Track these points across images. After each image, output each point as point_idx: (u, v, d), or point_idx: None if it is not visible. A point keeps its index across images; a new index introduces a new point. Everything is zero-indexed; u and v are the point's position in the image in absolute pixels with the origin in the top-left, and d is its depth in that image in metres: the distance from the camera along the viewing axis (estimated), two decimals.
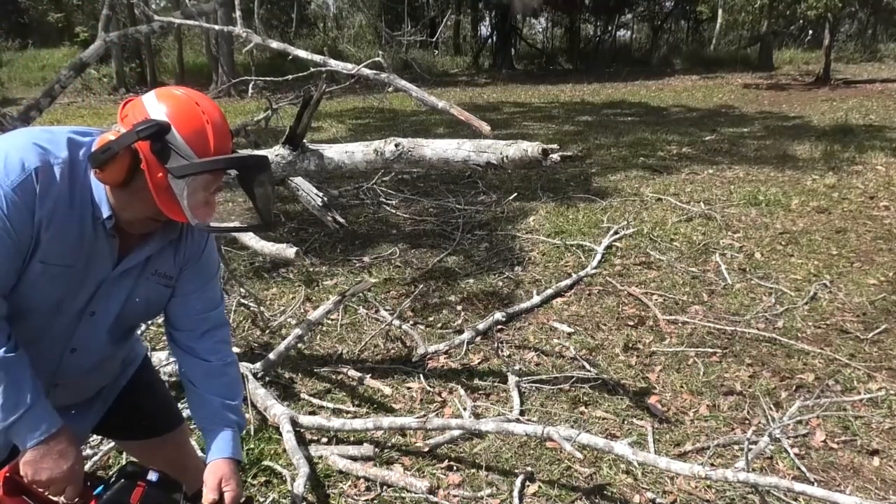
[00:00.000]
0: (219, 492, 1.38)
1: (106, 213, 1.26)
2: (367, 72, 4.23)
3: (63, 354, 1.37)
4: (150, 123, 1.18)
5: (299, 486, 2.12)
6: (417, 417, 2.54)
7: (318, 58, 4.51)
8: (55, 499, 1.28)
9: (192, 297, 1.47)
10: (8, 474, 1.23)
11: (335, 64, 4.40)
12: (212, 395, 1.48)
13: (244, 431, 2.50)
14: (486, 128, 3.35)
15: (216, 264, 1.54)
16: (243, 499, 1.42)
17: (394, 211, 5.71)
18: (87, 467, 2.29)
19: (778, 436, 2.48)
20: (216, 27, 5.39)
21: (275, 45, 4.84)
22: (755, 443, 2.44)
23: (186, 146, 1.20)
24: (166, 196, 1.22)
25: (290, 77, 5.36)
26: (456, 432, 2.51)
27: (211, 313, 1.50)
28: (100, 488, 1.30)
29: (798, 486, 1.93)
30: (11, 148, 1.19)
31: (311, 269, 4.38)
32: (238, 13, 4.99)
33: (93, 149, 1.22)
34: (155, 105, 1.22)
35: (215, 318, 1.51)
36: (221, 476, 1.40)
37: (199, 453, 1.88)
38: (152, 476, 1.33)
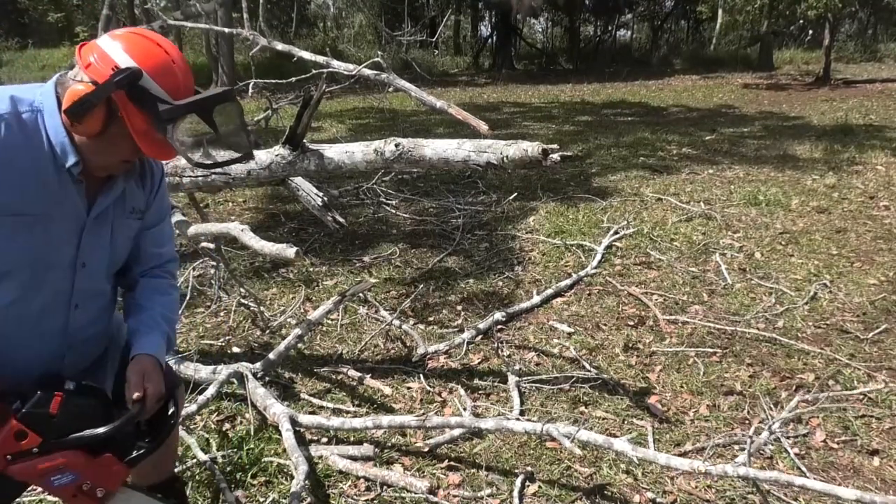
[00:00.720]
0: (142, 387, 1.37)
1: (72, 160, 1.27)
2: (367, 72, 4.29)
3: (68, 313, 1.39)
4: (126, 72, 1.19)
5: (298, 483, 2.13)
6: (417, 416, 2.54)
7: (321, 59, 4.56)
8: None
9: (154, 231, 1.54)
10: None
11: (338, 65, 4.46)
12: (154, 305, 1.52)
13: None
14: (483, 127, 3.37)
15: (168, 199, 1.62)
16: (166, 393, 1.41)
17: (394, 211, 5.71)
18: None
19: (777, 430, 2.48)
20: (225, 30, 5.42)
21: (280, 46, 4.88)
22: (753, 441, 2.45)
23: (160, 89, 1.23)
24: (148, 139, 1.25)
25: (293, 79, 5.39)
26: (456, 432, 2.51)
27: (166, 247, 1.59)
28: (16, 403, 1.26)
29: (798, 480, 1.94)
30: None
31: (311, 269, 4.38)
32: (246, 15, 5.01)
33: (63, 104, 1.22)
34: (119, 51, 1.23)
35: (169, 252, 1.61)
36: (143, 372, 1.39)
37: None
38: (69, 385, 1.30)
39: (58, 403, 1.26)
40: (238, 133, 1.38)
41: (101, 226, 1.39)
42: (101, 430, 1.29)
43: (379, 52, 4.72)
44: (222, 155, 1.37)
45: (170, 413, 1.43)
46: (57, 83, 1.29)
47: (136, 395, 1.35)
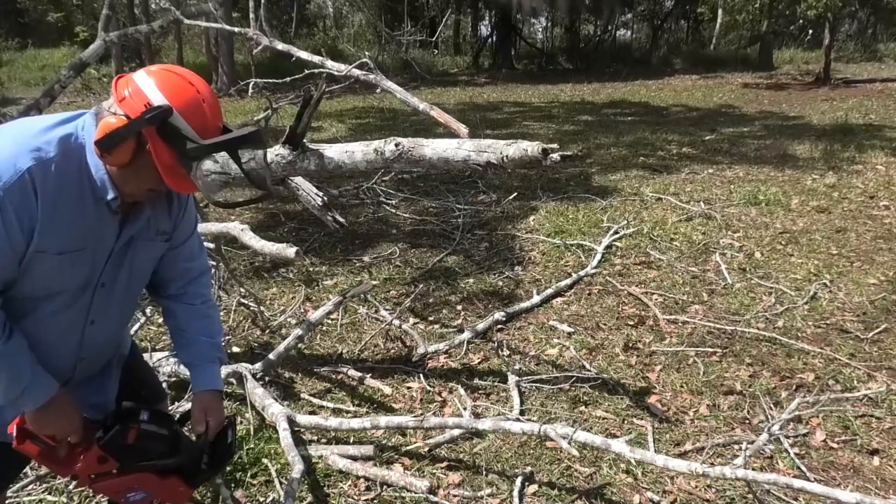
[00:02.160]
0: (204, 422, 1.56)
1: (112, 194, 1.32)
2: (356, 72, 4.37)
3: (84, 328, 1.46)
4: (157, 110, 1.24)
5: (293, 482, 2.13)
6: (415, 417, 2.54)
7: (316, 58, 4.61)
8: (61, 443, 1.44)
9: (183, 248, 1.59)
10: (18, 425, 1.40)
11: (331, 65, 4.54)
12: (198, 335, 1.62)
13: (241, 426, 2.51)
14: (463, 130, 3.38)
15: (196, 214, 1.67)
16: (225, 422, 1.61)
17: (394, 211, 5.71)
18: None
19: (777, 432, 2.48)
20: (235, 29, 5.44)
21: (280, 46, 4.92)
22: (753, 442, 2.44)
23: (189, 127, 1.27)
24: (173, 173, 1.29)
25: (287, 79, 5.44)
26: (456, 432, 2.51)
27: (197, 261, 1.64)
28: (100, 432, 1.46)
29: (797, 483, 1.93)
30: (2, 151, 1.23)
31: (311, 269, 4.38)
32: (252, 14, 5.03)
33: (94, 135, 1.26)
34: (152, 88, 1.27)
35: (201, 265, 1.66)
36: (205, 408, 1.57)
37: None
38: (144, 415, 1.49)
39: (134, 436, 1.46)
40: (260, 171, 1.45)
41: (127, 248, 1.44)
42: (170, 460, 1.51)
43: (366, 53, 4.81)
44: (241, 194, 1.42)
45: (228, 441, 1.61)
46: (95, 113, 1.32)
47: (199, 430, 1.55)
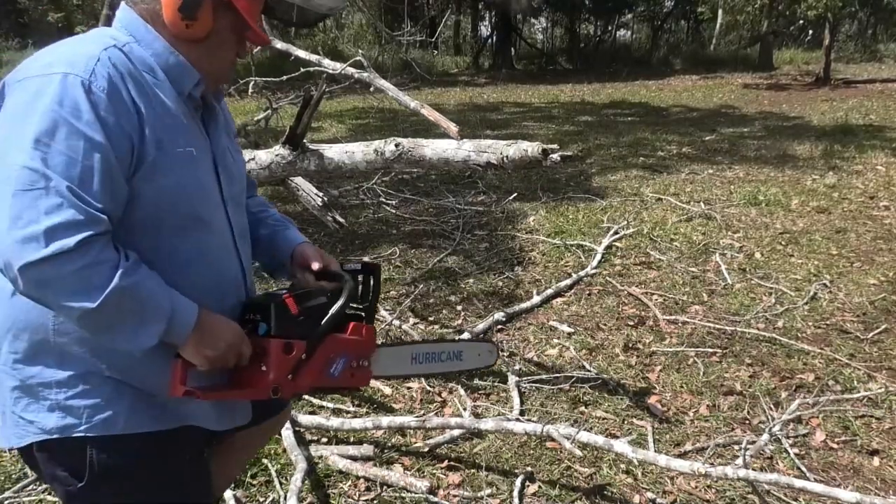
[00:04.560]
0: (330, 261, 1.38)
1: (194, 77, 1.17)
2: (351, 70, 4.41)
3: (240, 249, 1.30)
4: None
5: (297, 480, 2.13)
6: (416, 417, 2.54)
7: (314, 57, 4.64)
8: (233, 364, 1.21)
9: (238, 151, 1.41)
10: (180, 375, 1.15)
11: (327, 63, 4.58)
12: (265, 213, 1.47)
13: None
14: (454, 129, 3.39)
15: None
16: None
17: (394, 211, 5.71)
18: None
19: (777, 433, 2.48)
20: None
21: (280, 45, 4.95)
22: (754, 442, 2.45)
23: None
24: (255, 17, 1.17)
25: (284, 77, 5.47)
26: (456, 432, 2.51)
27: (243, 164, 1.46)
28: (260, 326, 1.24)
29: (798, 483, 1.94)
30: (67, 52, 1.07)
31: None
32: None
33: (167, 6, 1.10)
34: None
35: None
36: (314, 251, 1.39)
37: None
38: (275, 290, 1.31)
39: (293, 303, 1.25)
40: None
41: (223, 149, 1.29)
42: (341, 300, 1.30)
43: (360, 52, 4.84)
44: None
45: (362, 266, 1.45)
46: (131, 9, 1.16)
47: (333, 266, 1.36)
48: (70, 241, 0.97)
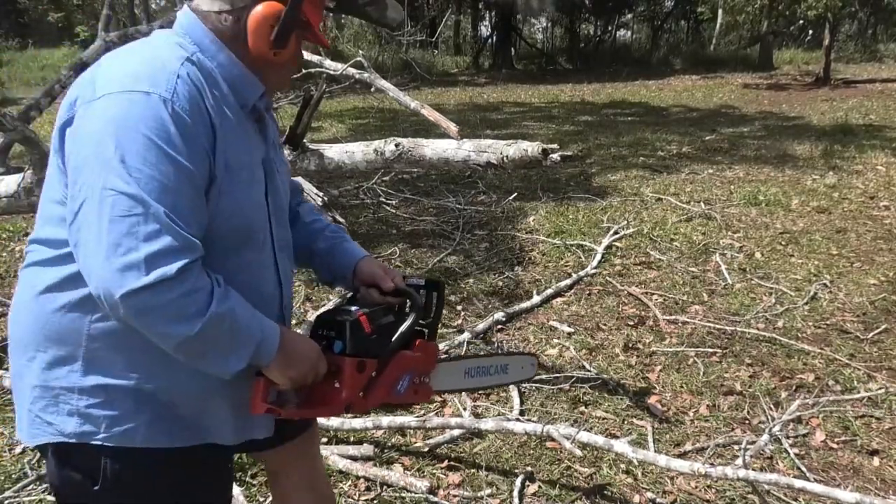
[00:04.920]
0: (390, 278, 1.37)
1: (259, 89, 1.16)
2: (352, 70, 4.44)
3: (279, 263, 1.27)
4: None
5: None
6: (417, 417, 2.54)
7: (315, 58, 4.67)
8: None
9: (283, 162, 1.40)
10: (262, 394, 1.16)
11: (329, 64, 4.61)
12: (320, 224, 1.46)
13: None
14: (454, 129, 3.40)
15: None
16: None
17: (394, 211, 5.71)
18: None
19: (777, 433, 2.48)
20: None
21: None
22: (754, 442, 2.45)
23: None
24: (319, 28, 1.18)
25: None
26: (456, 432, 2.51)
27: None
28: (335, 344, 1.25)
29: (798, 483, 1.94)
30: (144, 63, 1.06)
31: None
32: None
33: (255, 30, 1.09)
34: None
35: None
36: (378, 266, 1.38)
37: None
38: (351, 308, 1.29)
39: (366, 321, 1.25)
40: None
41: (271, 165, 1.27)
42: (411, 319, 1.32)
43: (361, 52, 4.86)
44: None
45: (425, 284, 1.43)
46: (197, 17, 1.12)
47: (398, 282, 1.36)
48: (171, 269, 0.97)
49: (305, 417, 1.27)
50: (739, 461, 2.22)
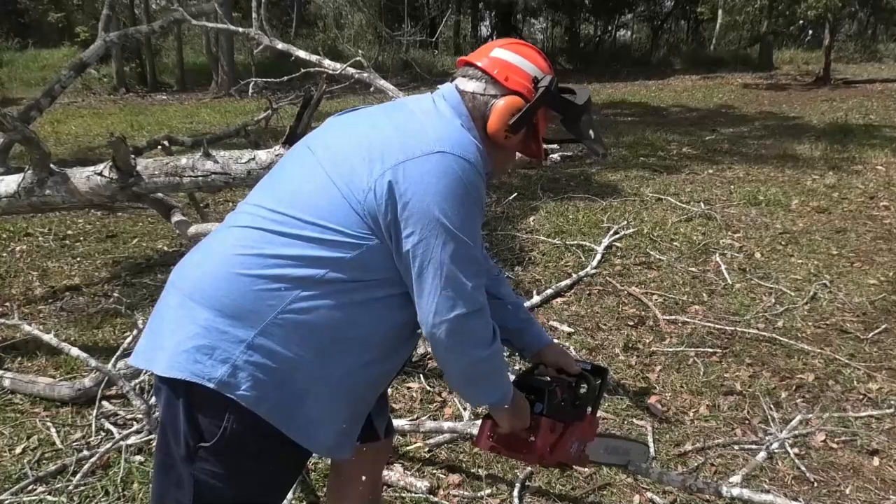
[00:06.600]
0: (570, 364, 1.59)
1: (487, 170, 1.33)
2: (351, 70, 4.43)
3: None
4: (552, 82, 1.33)
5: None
6: (410, 421, 2.55)
7: (314, 58, 4.66)
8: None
9: None
10: (489, 434, 1.50)
11: (328, 64, 4.60)
12: (516, 304, 1.63)
13: None
14: None
15: None
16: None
17: None
18: (85, 468, 2.29)
19: (776, 450, 2.47)
20: (238, 29, 5.48)
21: (280, 45, 4.97)
22: (753, 452, 2.44)
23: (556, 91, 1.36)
24: (542, 137, 1.40)
25: (285, 78, 5.50)
26: (458, 430, 2.51)
27: None
28: (536, 405, 1.50)
29: None
30: (454, 134, 1.26)
31: None
32: (255, 14, 5.07)
33: (500, 117, 1.30)
34: (525, 62, 1.34)
35: None
36: (562, 352, 1.62)
37: None
38: (543, 376, 1.56)
39: (560, 391, 1.52)
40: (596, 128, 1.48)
41: None
42: (590, 397, 1.59)
43: (360, 52, 4.86)
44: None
45: (591, 367, 1.66)
46: (463, 96, 1.33)
47: (577, 367, 1.59)
48: (483, 300, 1.24)
49: (510, 458, 1.57)
50: (736, 478, 2.22)
